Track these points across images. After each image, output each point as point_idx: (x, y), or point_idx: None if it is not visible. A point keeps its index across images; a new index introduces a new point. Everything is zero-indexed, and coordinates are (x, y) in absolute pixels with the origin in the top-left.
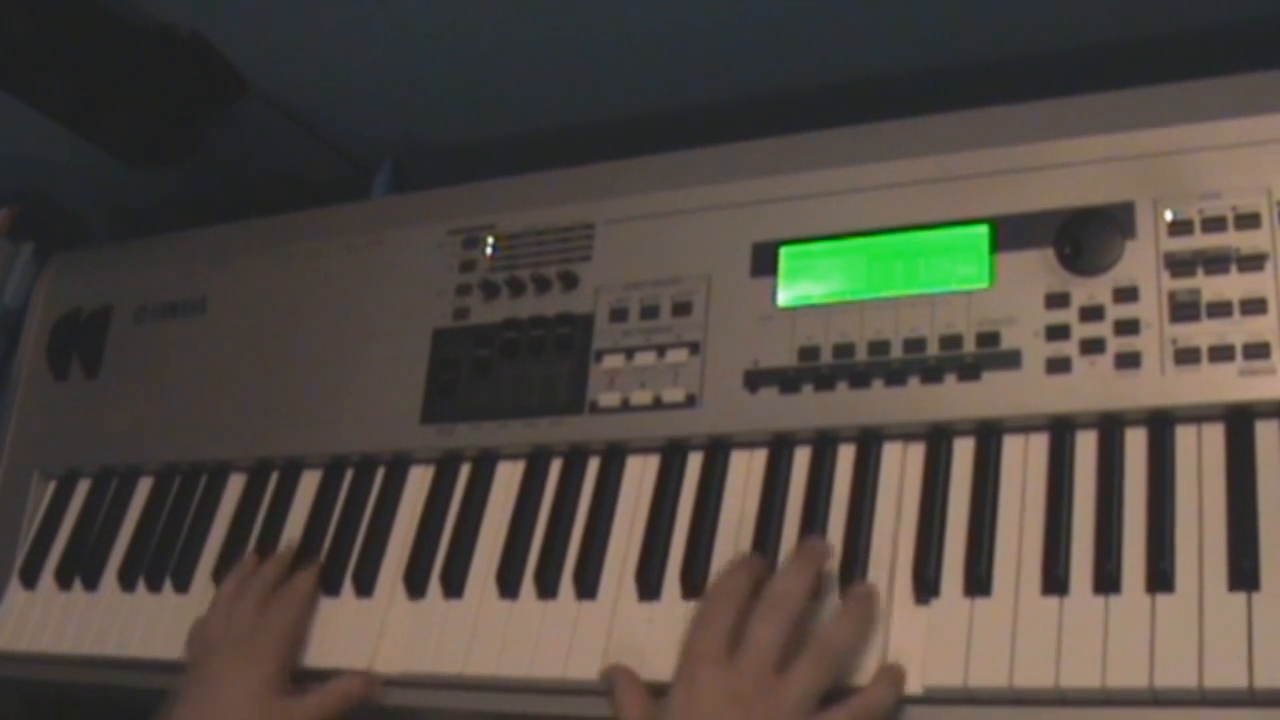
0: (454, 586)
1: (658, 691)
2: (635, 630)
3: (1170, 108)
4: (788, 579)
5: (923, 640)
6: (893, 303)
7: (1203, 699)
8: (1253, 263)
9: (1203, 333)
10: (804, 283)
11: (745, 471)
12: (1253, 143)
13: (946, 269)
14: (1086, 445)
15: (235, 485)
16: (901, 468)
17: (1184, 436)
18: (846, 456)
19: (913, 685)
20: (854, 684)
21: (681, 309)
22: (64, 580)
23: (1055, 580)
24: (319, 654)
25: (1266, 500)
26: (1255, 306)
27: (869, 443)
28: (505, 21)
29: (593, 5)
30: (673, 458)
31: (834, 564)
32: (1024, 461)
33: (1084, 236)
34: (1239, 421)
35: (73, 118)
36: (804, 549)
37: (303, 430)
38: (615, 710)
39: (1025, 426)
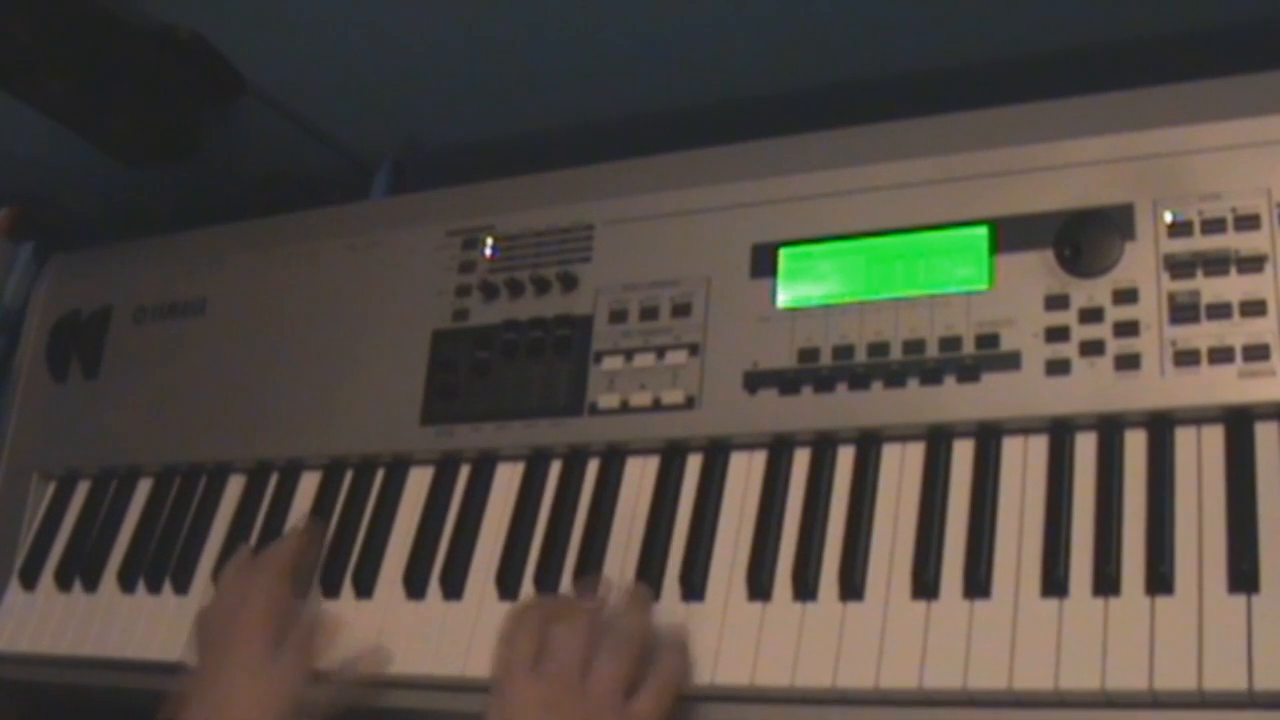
0: (453, 588)
1: None
2: None
3: (1170, 108)
4: (576, 600)
5: (922, 642)
6: (892, 304)
7: (1202, 701)
8: (1252, 264)
9: (1202, 334)
10: (803, 284)
11: (745, 473)
12: (1253, 144)
13: (946, 270)
14: (1086, 447)
15: (235, 486)
16: (901, 469)
17: (1183, 438)
18: (846, 458)
19: (912, 687)
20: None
21: (681, 310)
22: (64, 581)
23: (1055, 582)
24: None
25: (1266, 502)
26: (1255, 308)
27: (868, 444)
28: (505, 22)
29: (593, 6)
30: (672, 459)
31: (833, 567)
32: (1023, 463)
33: (1083, 238)
34: (1238, 423)
35: (73, 118)
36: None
37: (302, 431)
38: None
39: (1025, 428)
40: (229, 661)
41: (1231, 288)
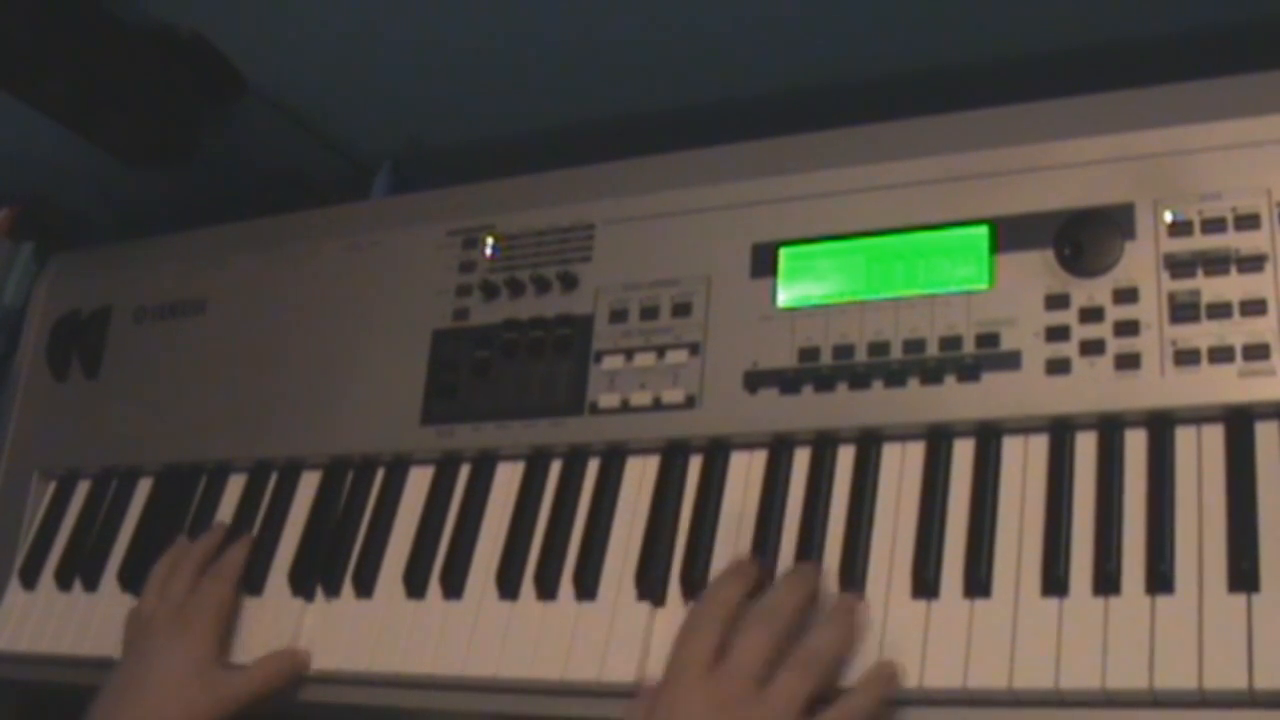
0: (454, 587)
1: None
2: (635, 632)
3: (1170, 108)
4: (779, 593)
5: (922, 641)
6: (892, 304)
7: (1203, 700)
8: (1252, 264)
9: (1202, 334)
10: (804, 283)
11: (745, 473)
12: (1253, 143)
13: (946, 270)
14: (1086, 446)
15: (235, 485)
16: (901, 469)
17: (1184, 438)
18: (846, 457)
19: (912, 686)
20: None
21: (681, 310)
22: (64, 581)
23: (1055, 581)
24: (320, 655)
25: (1266, 501)
26: (1255, 307)
27: (869, 444)
28: (505, 22)
29: (592, 6)
30: (672, 459)
31: (833, 566)
32: (1024, 463)
33: (1084, 237)
34: (1239, 423)
35: (73, 118)
36: (798, 569)
37: (303, 431)
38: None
39: (1025, 427)
40: (172, 659)
41: (1231, 287)
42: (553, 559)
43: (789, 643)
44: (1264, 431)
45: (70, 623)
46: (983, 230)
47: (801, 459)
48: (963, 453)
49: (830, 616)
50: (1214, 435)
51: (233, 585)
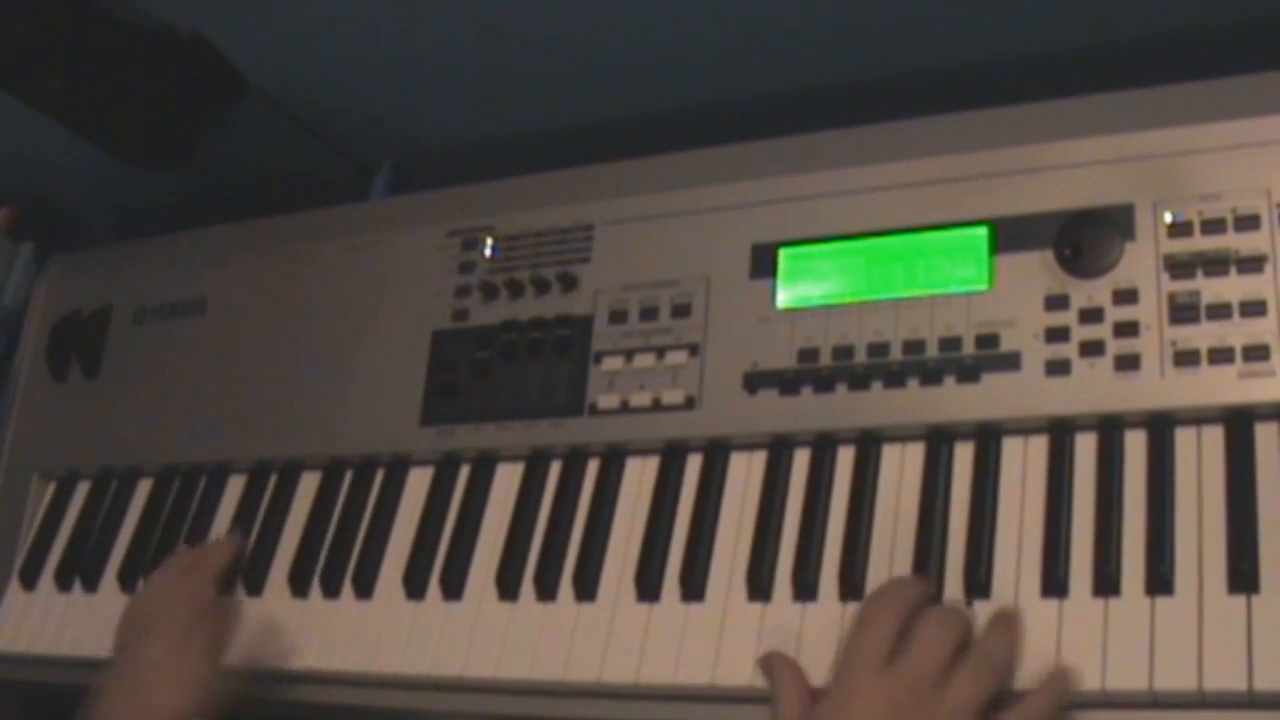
0: (453, 588)
1: (651, 694)
2: (634, 633)
3: (1170, 108)
4: (952, 605)
5: None
6: (892, 304)
7: (1203, 702)
8: (1252, 265)
9: (1202, 335)
10: (803, 284)
11: (745, 474)
12: (1253, 144)
13: (946, 271)
14: (1086, 447)
15: (235, 486)
16: (901, 470)
17: (1183, 439)
18: (846, 459)
19: None
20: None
21: (681, 311)
22: (64, 581)
23: (1054, 583)
24: (320, 656)
25: (1266, 503)
26: (1255, 308)
27: (868, 445)
28: (505, 22)
29: (592, 6)
30: (672, 460)
31: (832, 567)
32: (1023, 464)
33: (1083, 238)
34: (1238, 424)
35: (73, 118)
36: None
37: (303, 431)
38: (775, 701)
39: (1025, 429)
40: (144, 656)
41: (1231, 288)
42: (552, 560)
43: (965, 646)
44: (1264, 432)
45: (70, 623)
46: (983, 231)
47: (801, 460)
48: (962, 454)
49: (1000, 621)
50: (1214, 436)
51: (209, 583)
